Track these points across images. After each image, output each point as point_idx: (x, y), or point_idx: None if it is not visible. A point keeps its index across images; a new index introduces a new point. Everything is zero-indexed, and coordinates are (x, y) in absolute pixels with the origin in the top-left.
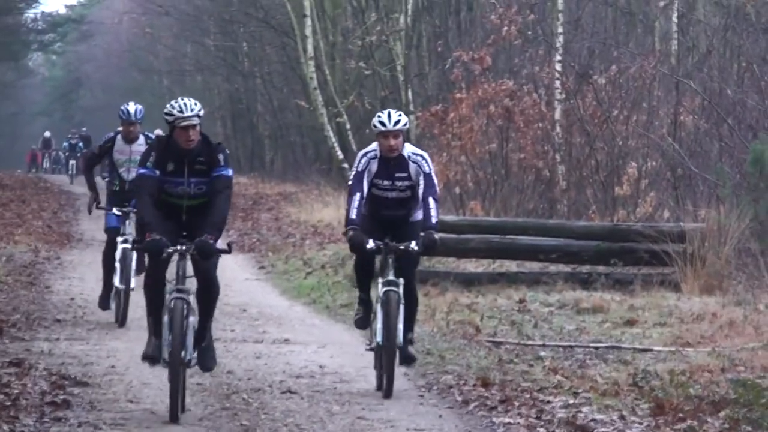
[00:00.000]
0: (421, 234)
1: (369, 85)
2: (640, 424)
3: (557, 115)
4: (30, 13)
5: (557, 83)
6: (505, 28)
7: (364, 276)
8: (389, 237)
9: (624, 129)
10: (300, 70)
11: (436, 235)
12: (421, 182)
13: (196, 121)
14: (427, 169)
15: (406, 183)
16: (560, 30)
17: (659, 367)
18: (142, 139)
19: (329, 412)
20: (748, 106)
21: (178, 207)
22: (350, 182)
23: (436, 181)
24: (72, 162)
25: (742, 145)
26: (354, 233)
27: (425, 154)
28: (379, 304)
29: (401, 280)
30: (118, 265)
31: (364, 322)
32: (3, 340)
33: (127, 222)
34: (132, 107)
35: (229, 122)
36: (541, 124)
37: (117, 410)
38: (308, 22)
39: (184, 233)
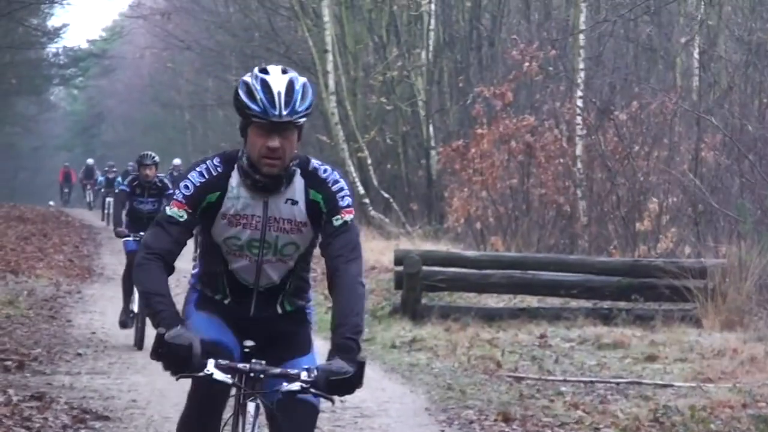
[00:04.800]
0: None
1: (390, 121)
2: None
3: (578, 150)
4: (52, 48)
5: (578, 119)
6: (527, 64)
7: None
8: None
9: (645, 165)
10: (321, 105)
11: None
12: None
13: None
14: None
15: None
16: (581, 66)
17: (680, 403)
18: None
19: None
20: None
21: None
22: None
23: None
24: (109, 199)
25: (763, 181)
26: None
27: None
28: None
29: None
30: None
31: None
32: (24, 374)
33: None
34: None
35: None
36: (562, 160)
37: None
38: (330, 57)
39: None
